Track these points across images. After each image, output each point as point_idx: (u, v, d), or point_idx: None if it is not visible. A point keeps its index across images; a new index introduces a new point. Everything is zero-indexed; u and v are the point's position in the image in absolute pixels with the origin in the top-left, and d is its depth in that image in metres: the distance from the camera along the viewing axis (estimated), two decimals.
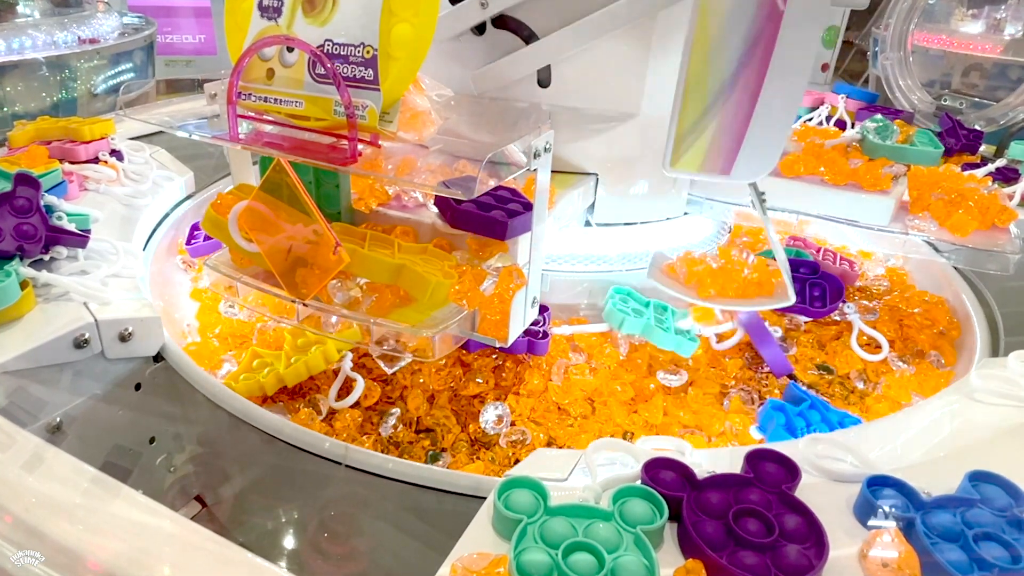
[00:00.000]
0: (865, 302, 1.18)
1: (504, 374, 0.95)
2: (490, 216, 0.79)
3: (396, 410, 0.90)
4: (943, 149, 1.09)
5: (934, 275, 1.23)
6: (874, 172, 1.01)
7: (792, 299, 0.91)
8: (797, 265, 1.14)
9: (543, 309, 0.99)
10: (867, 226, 1.04)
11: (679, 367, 0.99)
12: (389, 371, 0.92)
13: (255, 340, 1.02)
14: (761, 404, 0.93)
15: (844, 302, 1.08)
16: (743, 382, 1.00)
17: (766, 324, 1.03)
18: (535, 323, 0.94)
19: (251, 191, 0.77)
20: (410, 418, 0.90)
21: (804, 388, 0.94)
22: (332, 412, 0.89)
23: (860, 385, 1.01)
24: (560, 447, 0.87)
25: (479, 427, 0.89)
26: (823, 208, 1.03)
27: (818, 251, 1.28)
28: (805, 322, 1.11)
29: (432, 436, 0.88)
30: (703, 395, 0.95)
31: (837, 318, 1.11)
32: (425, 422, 0.90)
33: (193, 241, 1.20)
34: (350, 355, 0.94)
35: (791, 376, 1.01)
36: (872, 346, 1.06)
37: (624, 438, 0.89)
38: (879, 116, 1.15)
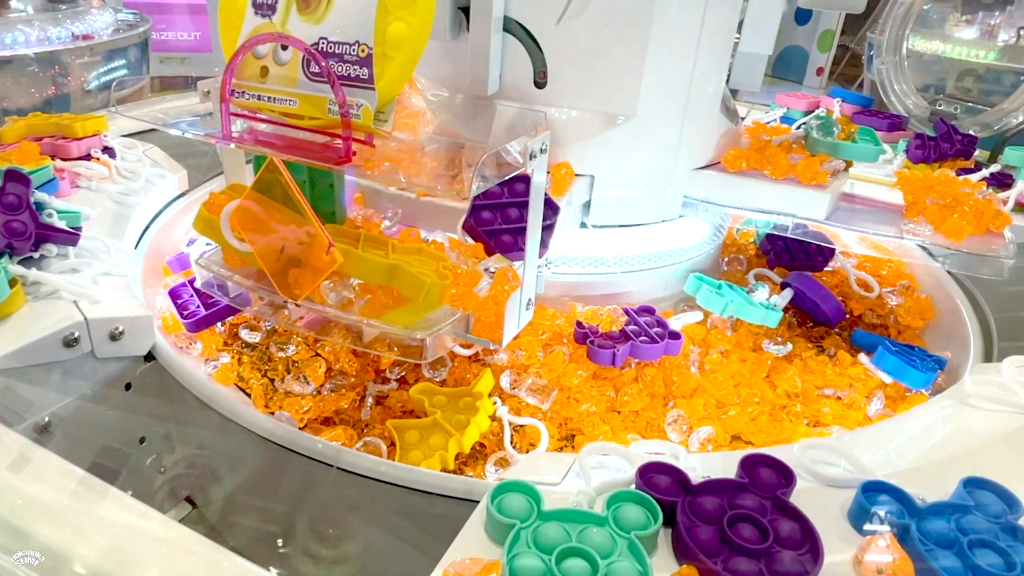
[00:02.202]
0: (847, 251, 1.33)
1: (649, 381, 0.95)
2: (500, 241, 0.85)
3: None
4: (881, 147, 1.11)
5: (928, 279, 1.23)
6: (812, 167, 1.03)
7: None
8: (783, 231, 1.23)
9: (650, 311, 1.01)
10: (861, 230, 1.04)
11: (775, 337, 1.06)
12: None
13: (366, 413, 0.89)
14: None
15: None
16: (806, 338, 1.11)
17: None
18: (651, 324, 0.97)
19: (243, 191, 0.76)
20: None
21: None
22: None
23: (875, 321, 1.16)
24: (748, 441, 0.88)
25: (664, 436, 0.88)
26: (762, 202, 1.05)
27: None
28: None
29: None
30: (815, 357, 1.03)
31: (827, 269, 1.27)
32: None
33: (187, 313, 0.95)
34: (499, 400, 0.88)
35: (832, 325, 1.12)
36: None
37: (782, 412, 0.94)
38: (822, 114, 1.18)
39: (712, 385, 0.95)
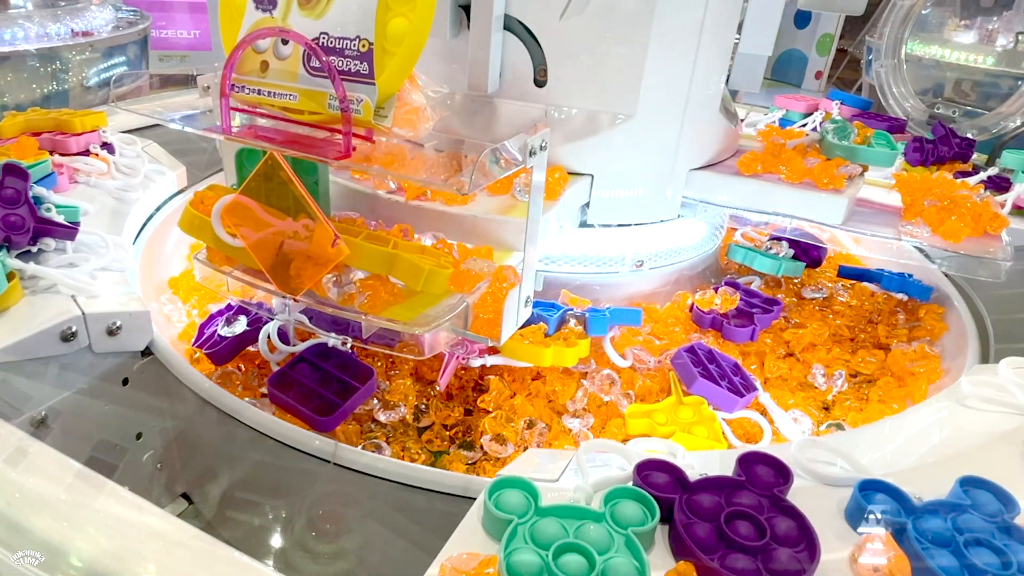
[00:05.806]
0: None
1: (773, 345, 1.05)
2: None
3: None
4: (899, 150, 1.11)
5: (925, 280, 1.23)
6: (828, 171, 1.02)
7: None
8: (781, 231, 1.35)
9: (736, 285, 1.12)
10: (859, 231, 1.04)
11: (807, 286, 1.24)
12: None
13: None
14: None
15: None
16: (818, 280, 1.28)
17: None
18: (752, 299, 1.09)
19: (224, 191, 0.75)
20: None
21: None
22: None
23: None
24: (858, 371, 1.02)
25: (813, 389, 1.00)
26: (778, 206, 1.05)
27: None
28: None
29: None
30: (846, 292, 1.21)
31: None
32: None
33: (318, 405, 0.83)
34: None
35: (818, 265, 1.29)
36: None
37: (855, 343, 1.09)
38: (839, 118, 1.18)
39: (815, 335, 1.07)
